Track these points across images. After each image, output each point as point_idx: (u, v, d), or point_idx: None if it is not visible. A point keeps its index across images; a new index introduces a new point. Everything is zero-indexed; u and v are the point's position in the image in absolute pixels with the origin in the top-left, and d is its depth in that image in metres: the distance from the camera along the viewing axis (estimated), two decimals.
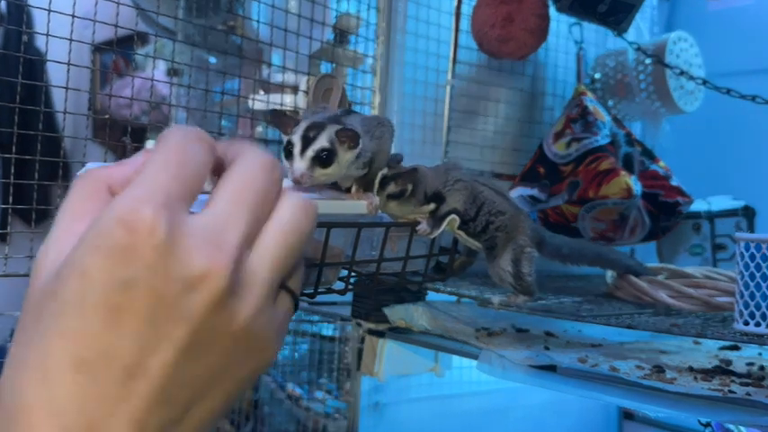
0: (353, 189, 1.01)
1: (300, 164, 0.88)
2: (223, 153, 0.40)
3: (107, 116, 1.19)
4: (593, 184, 1.49)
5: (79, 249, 0.33)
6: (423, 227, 1.09)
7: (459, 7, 1.64)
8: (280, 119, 0.95)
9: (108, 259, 0.32)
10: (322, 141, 0.89)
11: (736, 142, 1.91)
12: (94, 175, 0.39)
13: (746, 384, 0.95)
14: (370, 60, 1.50)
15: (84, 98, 1.39)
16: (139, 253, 0.32)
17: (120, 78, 2.76)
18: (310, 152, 0.88)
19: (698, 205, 1.68)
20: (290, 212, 0.38)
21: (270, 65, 1.39)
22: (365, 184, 1.00)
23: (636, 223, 1.58)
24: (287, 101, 1.39)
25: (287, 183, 0.91)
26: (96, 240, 0.33)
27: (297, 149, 0.89)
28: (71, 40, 1.09)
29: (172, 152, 0.36)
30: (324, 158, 0.89)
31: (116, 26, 1.15)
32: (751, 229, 1.62)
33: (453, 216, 1.11)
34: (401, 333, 1.38)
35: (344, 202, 1.01)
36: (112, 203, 0.33)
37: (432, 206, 1.11)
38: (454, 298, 1.49)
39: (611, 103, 1.84)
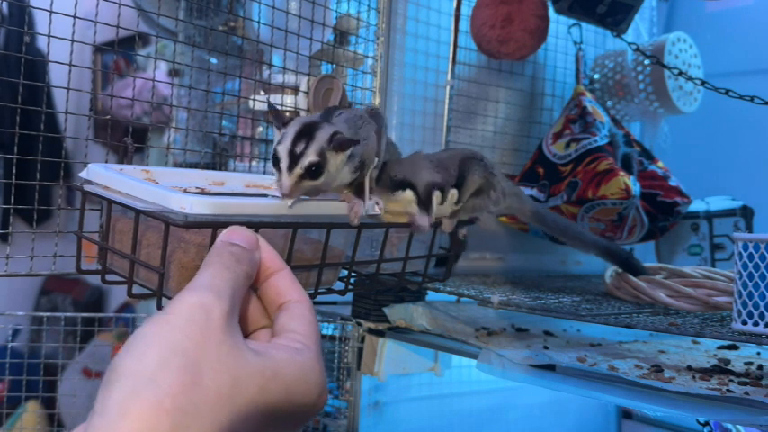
0: (344, 192, 0.99)
1: (287, 180, 0.84)
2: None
3: (108, 117, 1.19)
4: (591, 184, 1.50)
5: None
6: (419, 221, 1.07)
7: (458, 8, 1.65)
8: (275, 115, 0.92)
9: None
10: (310, 156, 0.84)
11: (735, 143, 1.92)
12: None
13: (745, 384, 0.96)
14: (370, 61, 1.51)
15: (86, 99, 1.40)
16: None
17: (122, 79, 2.77)
18: (299, 169, 0.84)
19: (696, 205, 1.69)
20: None
21: (270, 65, 1.39)
22: (355, 189, 0.97)
23: (634, 223, 1.59)
24: (287, 101, 1.39)
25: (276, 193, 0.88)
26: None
27: (284, 164, 0.84)
28: (72, 40, 1.09)
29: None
30: (313, 171, 0.85)
31: (117, 27, 1.15)
32: (749, 229, 1.63)
33: (436, 192, 1.08)
34: (401, 333, 1.39)
35: (343, 204, 1.01)
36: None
37: (409, 193, 1.10)
38: (454, 298, 1.50)
39: (609, 103, 1.85)
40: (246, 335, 0.55)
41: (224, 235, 0.59)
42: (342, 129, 0.93)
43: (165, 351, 0.42)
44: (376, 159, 1.05)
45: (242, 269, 0.53)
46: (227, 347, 0.44)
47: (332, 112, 1.02)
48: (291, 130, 0.87)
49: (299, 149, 0.85)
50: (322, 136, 0.87)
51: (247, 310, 0.56)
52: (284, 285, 0.57)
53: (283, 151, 0.85)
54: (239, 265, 0.53)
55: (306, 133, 0.86)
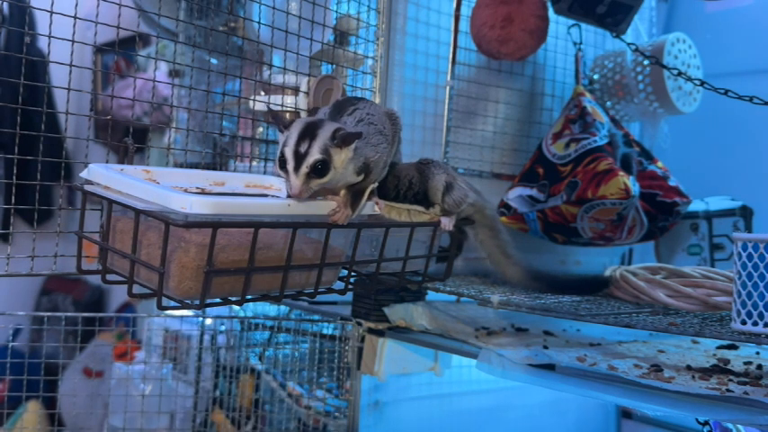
0: (342, 193, 0.98)
1: (296, 181, 0.87)
2: None
3: (109, 117, 1.20)
4: (591, 184, 1.50)
5: None
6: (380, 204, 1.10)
7: (458, 9, 1.65)
8: (275, 116, 0.94)
9: None
10: (315, 154, 0.86)
11: (734, 143, 1.92)
12: None
13: (744, 383, 0.96)
14: (370, 61, 1.51)
15: (86, 99, 1.40)
16: None
17: (122, 79, 2.77)
18: (305, 168, 0.86)
19: (696, 205, 1.69)
20: None
21: (271, 66, 1.39)
22: (353, 194, 0.97)
23: (634, 223, 1.59)
24: (288, 102, 1.39)
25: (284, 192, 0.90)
26: None
27: (290, 166, 0.87)
28: (73, 41, 1.10)
29: None
30: (319, 169, 0.87)
31: (118, 27, 1.16)
32: (748, 229, 1.63)
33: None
34: (401, 332, 1.39)
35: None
36: None
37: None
38: (454, 297, 1.50)
39: (609, 103, 1.85)
40: None
41: None
42: (349, 128, 0.93)
43: None
44: (384, 172, 1.05)
45: None
46: None
47: (344, 106, 1.01)
48: (295, 131, 0.88)
49: (303, 149, 0.86)
50: (325, 133, 0.88)
51: None
52: None
53: (289, 153, 0.87)
54: None
55: (308, 132, 0.88)
